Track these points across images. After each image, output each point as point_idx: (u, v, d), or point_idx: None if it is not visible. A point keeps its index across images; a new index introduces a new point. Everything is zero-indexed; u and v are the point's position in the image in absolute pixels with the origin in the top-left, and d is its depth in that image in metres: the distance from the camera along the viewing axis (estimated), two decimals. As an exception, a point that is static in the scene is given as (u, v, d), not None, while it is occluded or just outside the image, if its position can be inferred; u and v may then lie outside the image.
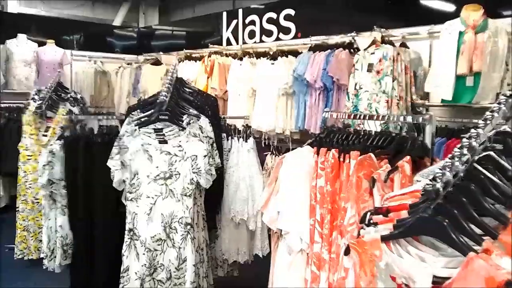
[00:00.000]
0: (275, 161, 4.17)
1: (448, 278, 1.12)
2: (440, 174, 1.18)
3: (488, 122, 1.32)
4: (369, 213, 1.35)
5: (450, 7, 3.60)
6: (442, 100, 3.24)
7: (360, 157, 1.74)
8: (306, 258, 1.93)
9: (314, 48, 3.94)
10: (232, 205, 3.07)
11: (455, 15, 3.17)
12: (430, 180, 1.19)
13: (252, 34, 5.21)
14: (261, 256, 3.12)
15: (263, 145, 4.20)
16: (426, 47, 3.58)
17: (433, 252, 1.21)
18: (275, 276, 2.06)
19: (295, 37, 4.72)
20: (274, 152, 4.21)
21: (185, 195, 2.47)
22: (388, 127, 3.04)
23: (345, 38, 3.79)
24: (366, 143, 1.87)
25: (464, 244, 1.12)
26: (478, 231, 1.19)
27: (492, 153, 1.32)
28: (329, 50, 3.73)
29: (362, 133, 1.96)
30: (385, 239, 1.23)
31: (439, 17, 3.43)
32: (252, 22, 5.19)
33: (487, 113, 1.36)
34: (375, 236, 1.26)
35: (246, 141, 3.14)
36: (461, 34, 3.10)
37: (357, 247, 1.28)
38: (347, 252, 1.32)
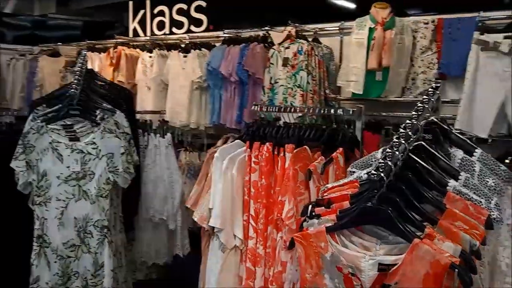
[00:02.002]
0: (189, 157, 4.10)
1: (392, 264, 1.15)
2: (383, 164, 1.20)
3: (420, 113, 1.37)
4: (310, 206, 1.35)
5: (360, 5, 3.75)
6: (353, 94, 3.37)
7: (295, 150, 1.73)
8: (240, 254, 1.89)
9: (228, 41, 3.89)
10: (150, 204, 2.93)
11: (364, 12, 3.31)
12: (375, 170, 1.20)
13: (161, 25, 5.02)
14: (182, 256, 3.02)
15: (176, 141, 4.06)
16: (337, 42, 3.70)
17: (375, 240, 1.23)
18: (207, 275, 2.00)
19: (207, 29, 4.63)
20: (188, 148, 4.11)
21: (101, 196, 2.30)
22: (304, 121, 3.09)
23: (259, 32, 3.79)
24: (299, 136, 1.87)
25: (409, 231, 1.15)
26: (420, 218, 1.23)
27: (423, 143, 1.38)
28: (243, 44, 3.70)
29: (293, 126, 1.95)
30: (330, 230, 1.23)
31: (349, 14, 3.55)
32: (161, 13, 5.00)
33: (418, 104, 1.41)
34: (319, 228, 1.25)
35: (163, 137, 3.02)
36: (371, 30, 3.23)
37: (302, 240, 1.27)
38: (291, 245, 1.30)
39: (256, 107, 2.15)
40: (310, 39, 3.62)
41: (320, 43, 3.68)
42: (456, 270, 1.05)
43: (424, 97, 1.45)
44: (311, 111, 2.02)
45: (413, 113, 1.36)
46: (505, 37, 2.70)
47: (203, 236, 2.10)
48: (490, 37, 2.74)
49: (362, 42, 3.25)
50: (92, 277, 2.29)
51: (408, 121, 1.31)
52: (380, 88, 3.28)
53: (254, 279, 1.82)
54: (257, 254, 1.83)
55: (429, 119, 1.46)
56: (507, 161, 2.23)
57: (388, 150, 1.22)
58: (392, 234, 1.20)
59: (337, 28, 3.70)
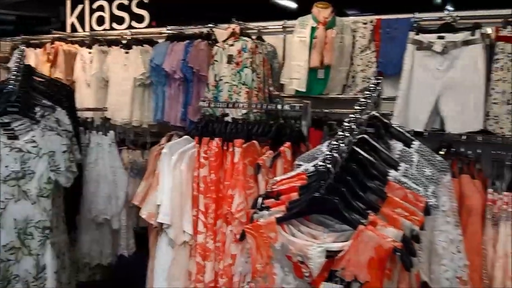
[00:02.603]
0: (132, 156, 4.02)
1: (339, 251, 1.21)
2: (330, 156, 1.25)
3: (363, 108, 1.44)
4: (260, 198, 1.38)
5: (302, 4, 3.83)
6: (297, 92, 3.45)
7: (244, 144, 1.76)
8: (189, 249, 1.89)
9: (171, 38, 3.86)
10: (93, 204, 2.85)
11: (306, 11, 3.39)
12: (322, 162, 1.25)
13: (101, 21, 4.88)
14: (127, 256, 2.97)
15: (118, 139, 3.96)
16: (281, 41, 3.77)
17: (322, 229, 1.28)
18: (156, 272, 1.98)
19: (149, 25, 4.56)
20: (130, 146, 4.02)
21: (42, 196, 2.23)
22: (249, 117, 3.13)
23: (203, 29, 3.79)
24: (248, 131, 1.90)
25: (354, 218, 1.21)
26: (364, 206, 1.29)
27: (366, 136, 1.45)
28: (187, 41, 3.69)
29: (242, 122, 1.98)
30: (280, 220, 1.27)
31: (292, 13, 3.62)
32: (101, 8, 4.86)
33: (361, 99, 1.48)
34: (270, 219, 1.28)
35: (105, 135, 2.95)
36: (313, 29, 3.32)
37: (253, 231, 1.30)
38: (242, 237, 1.32)
39: (204, 103, 2.15)
40: (254, 37, 3.66)
41: (264, 41, 3.73)
42: (399, 253, 1.12)
43: (366, 92, 1.52)
44: (258, 107, 2.05)
45: (357, 108, 1.43)
46: (438, 37, 2.86)
47: (150, 233, 2.08)
48: (425, 37, 2.90)
49: (305, 41, 3.33)
50: (34, 280, 2.21)
51: (352, 115, 1.38)
52: (322, 86, 3.37)
53: (204, 273, 1.84)
54: (207, 249, 1.85)
55: (371, 114, 1.54)
56: (441, 152, 2.37)
57: (334, 143, 1.28)
58: (339, 222, 1.26)
59: (281, 26, 3.76)
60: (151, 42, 4.06)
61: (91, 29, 4.97)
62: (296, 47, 3.39)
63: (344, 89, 3.43)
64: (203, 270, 1.84)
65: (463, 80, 2.78)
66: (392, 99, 3.06)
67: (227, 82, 3.43)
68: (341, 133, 1.31)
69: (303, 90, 3.35)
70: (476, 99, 2.74)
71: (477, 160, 2.22)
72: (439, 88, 2.84)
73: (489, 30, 2.83)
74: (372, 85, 1.56)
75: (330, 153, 1.25)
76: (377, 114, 1.54)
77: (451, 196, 1.41)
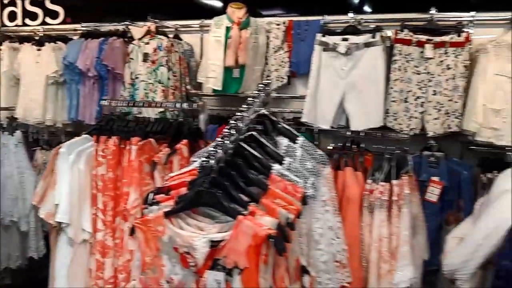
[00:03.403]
0: (46, 156, 3.90)
1: (222, 240, 1.28)
2: (213, 152, 1.32)
3: (250, 106, 1.53)
4: (151, 194, 1.43)
5: (218, 4, 3.89)
6: (213, 90, 3.51)
7: (140, 142, 1.79)
8: (89, 247, 1.90)
9: (86, 35, 3.78)
10: (-1, 205, 2.76)
11: (222, 11, 3.46)
12: (206, 158, 1.32)
13: (12, 16, 4.67)
14: (36, 258, 2.89)
15: (30, 139, 3.83)
16: (198, 39, 3.81)
17: (209, 221, 1.36)
18: (56, 272, 1.97)
19: (63, 22, 4.43)
20: (44, 147, 3.90)
21: None
22: (166, 115, 3.16)
23: (119, 27, 3.75)
24: (146, 129, 1.93)
25: (234, 209, 1.29)
26: (247, 198, 1.38)
27: (254, 132, 1.54)
28: (102, 38, 3.63)
29: (142, 120, 2.01)
30: (168, 214, 1.33)
31: (209, 12, 3.66)
32: (12, 3, 4.65)
33: (249, 99, 1.57)
34: (158, 213, 1.34)
35: (12, 135, 2.85)
36: (227, 29, 3.39)
37: (142, 225, 1.35)
38: (132, 232, 1.37)
39: (105, 101, 2.16)
40: (171, 36, 3.68)
41: (181, 39, 3.76)
42: (272, 240, 1.21)
43: (255, 92, 1.61)
44: (156, 105, 2.09)
45: (244, 106, 1.52)
46: (343, 39, 3.03)
47: (51, 232, 2.06)
48: (330, 39, 3.06)
49: (220, 40, 3.39)
50: None
51: (238, 114, 1.46)
52: (237, 84, 3.45)
53: (103, 270, 1.85)
54: (106, 246, 1.87)
55: (260, 112, 1.63)
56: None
57: (218, 139, 1.35)
58: (224, 214, 1.34)
59: (198, 25, 3.80)
60: (65, 39, 3.95)
61: (2, 24, 4.74)
62: (212, 46, 3.45)
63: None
64: (102, 267, 1.86)
65: (365, 79, 2.97)
66: (304, 97, 3.21)
67: (143, 81, 3.43)
68: (226, 130, 1.39)
69: (219, 88, 3.41)
70: (377, 97, 2.95)
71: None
72: (343, 87, 3.02)
73: (389, 33, 3.04)
74: (261, 85, 1.65)
75: (213, 149, 1.32)
76: (266, 113, 1.63)
77: (330, 186, 1.54)
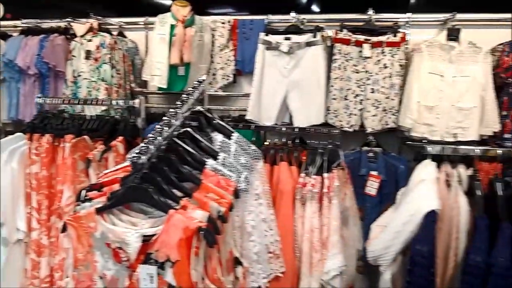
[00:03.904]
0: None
1: (154, 235, 1.31)
2: (145, 148, 1.34)
3: (185, 103, 1.56)
4: (84, 190, 1.43)
5: (163, 1, 3.87)
6: (158, 88, 3.50)
7: (74, 139, 1.78)
8: (24, 247, 1.86)
9: (26, 32, 3.67)
10: None
11: (167, 9, 3.45)
12: (136, 154, 1.34)
13: None
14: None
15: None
16: (143, 37, 3.79)
17: (142, 216, 1.38)
18: (-10, 273, 1.92)
19: (3, 18, 4.27)
20: (-16, 146, 3.76)
21: None
22: (110, 113, 3.12)
23: (61, 23, 3.66)
24: (81, 127, 1.92)
25: (166, 204, 1.32)
26: (180, 193, 1.41)
27: (189, 129, 1.57)
28: (43, 35, 3.54)
29: (77, 118, 1.99)
30: (99, 210, 1.33)
31: (154, 10, 3.63)
32: None
33: (183, 96, 1.60)
34: (89, 210, 1.34)
35: None
36: (172, 27, 3.39)
37: (73, 222, 1.35)
38: (64, 229, 1.36)
39: (40, 99, 2.12)
40: (115, 33, 3.64)
41: (125, 37, 3.72)
42: (202, 232, 1.24)
43: (189, 89, 1.64)
44: (92, 103, 2.08)
45: (178, 103, 1.54)
46: (285, 38, 3.10)
47: (-16, 233, 2.01)
48: (273, 38, 3.12)
49: (164, 38, 3.39)
50: None
51: (171, 110, 1.48)
52: (183, 82, 3.46)
53: (39, 269, 1.83)
54: (41, 245, 1.84)
55: (196, 109, 1.66)
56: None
57: (150, 135, 1.37)
58: (156, 209, 1.36)
59: (142, 23, 3.78)
60: (5, 36, 3.82)
61: None
62: (157, 44, 3.44)
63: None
64: (38, 266, 1.83)
65: (307, 78, 3.05)
66: (249, 96, 3.25)
67: (86, 78, 3.37)
68: (158, 126, 1.41)
69: (164, 86, 3.41)
70: (318, 95, 3.03)
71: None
72: (286, 85, 3.09)
73: (329, 33, 3.14)
74: (196, 82, 1.68)
75: (145, 145, 1.34)
76: (202, 109, 1.66)
77: (264, 180, 1.59)
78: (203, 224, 1.26)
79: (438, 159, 2.23)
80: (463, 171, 1.97)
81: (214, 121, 1.66)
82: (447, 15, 3.11)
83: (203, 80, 1.70)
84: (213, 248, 1.29)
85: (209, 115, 1.67)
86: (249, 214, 1.50)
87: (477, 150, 2.25)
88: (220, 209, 1.34)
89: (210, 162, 1.48)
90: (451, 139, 2.81)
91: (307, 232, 1.92)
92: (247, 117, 3.13)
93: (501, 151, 2.24)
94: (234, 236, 1.43)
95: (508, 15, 3.15)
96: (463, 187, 1.91)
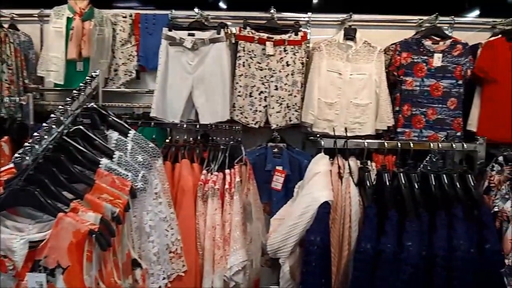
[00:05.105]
0: None
1: (42, 240, 1.23)
2: (29, 148, 1.25)
3: (75, 99, 1.48)
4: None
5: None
6: (55, 85, 3.30)
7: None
8: None
9: None
10: None
11: (64, 1, 3.25)
12: (19, 154, 1.25)
13: None
14: None
15: None
16: (37, 30, 3.54)
17: (29, 221, 1.28)
18: None
19: None
20: None
21: None
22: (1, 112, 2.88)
23: None
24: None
25: (54, 207, 1.24)
26: (71, 196, 1.33)
27: (81, 127, 1.49)
28: None
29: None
30: (-24, 218, 1.22)
31: (49, 1, 3.40)
32: None
33: (74, 92, 1.51)
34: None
35: None
36: (69, 20, 3.22)
37: None
38: None
39: None
40: (6, 25, 3.37)
41: (18, 29, 3.46)
42: (94, 235, 1.19)
43: (81, 85, 1.56)
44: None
45: (68, 99, 1.46)
46: (189, 34, 3.07)
47: None
48: (177, 34, 3.07)
49: (61, 32, 3.21)
50: None
51: (60, 107, 1.40)
52: (82, 79, 3.20)
53: None
54: None
55: (90, 106, 1.58)
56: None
57: (35, 134, 1.28)
58: (44, 213, 1.27)
59: (36, 15, 3.53)
60: None
61: None
62: (52, 38, 3.25)
63: (106, 82, 3.41)
64: None
65: (212, 75, 3.04)
66: (153, 92, 3.17)
67: (-29, 74, 3.09)
68: (45, 124, 1.32)
69: (61, 82, 3.23)
70: (223, 92, 3.04)
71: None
72: (191, 82, 3.05)
73: (234, 30, 3.15)
74: (89, 78, 1.61)
75: (29, 144, 1.25)
76: (95, 106, 1.59)
77: (163, 178, 1.56)
78: (95, 227, 1.21)
79: (339, 153, 2.33)
80: (354, 164, 2.08)
81: (109, 118, 1.59)
82: (344, 16, 3.26)
83: (97, 75, 1.62)
84: (107, 252, 1.24)
85: (104, 112, 1.60)
86: (148, 213, 1.46)
87: (366, 143, 2.36)
88: (114, 210, 1.29)
89: (104, 161, 1.42)
90: (350, 134, 2.95)
91: (209, 229, 1.92)
92: (152, 115, 3.05)
93: (387, 144, 2.36)
94: (132, 237, 1.39)
95: (399, 17, 3.38)
96: (354, 178, 2.02)
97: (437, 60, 3.03)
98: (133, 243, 1.39)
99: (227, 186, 1.97)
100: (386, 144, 2.19)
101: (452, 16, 3.30)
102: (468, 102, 3.11)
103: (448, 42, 3.04)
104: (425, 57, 3.03)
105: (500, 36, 3.08)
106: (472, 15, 3.53)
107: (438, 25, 3.17)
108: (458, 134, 3.02)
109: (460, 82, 3.03)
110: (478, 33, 3.35)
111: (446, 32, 3.19)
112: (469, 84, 3.08)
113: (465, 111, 3.09)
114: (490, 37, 3.21)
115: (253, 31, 3.07)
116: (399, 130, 3.08)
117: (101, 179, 1.36)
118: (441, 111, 3.06)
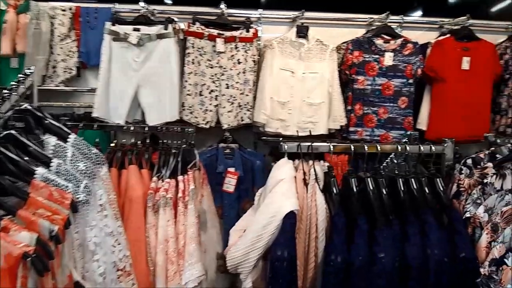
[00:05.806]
0: None
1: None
2: None
3: (6, 100, 1.30)
4: None
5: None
6: (-12, 82, 3.04)
7: None
8: None
9: None
10: None
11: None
12: None
13: None
14: None
15: None
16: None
17: (-50, 244, 1.10)
18: None
19: None
20: None
21: None
22: None
23: None
24: None
25: (-20, 227, 1.06)
26: (1, 212, 1.16)
27: (13, 131, 1.31)
28: None
29: None
30: None
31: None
32: None
33: (5, 91, 1.33)
34: None
35: None
36: (2, 12, 2.98)
37: None
38: None
39: None
40: None
41: None
42: (29, 259, 1.03)
43: (13, 83, 1.38)
44: None
45: (-3, 100, 1.28)
46: (134, 29, 2.89)
47: None
48: (121, 29, 2.88)
49: (-6, 26, 2.94)
50: None
51: (-15, 110, 1.22)
52: (16, 76, 3.02)
53: None
54: None
55: (22, 107, 1.40)
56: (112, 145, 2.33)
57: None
58: (-32, 233, 1.09)
59: (-37, 6, 3.21)
60: None
61: None
62: (-17, 33, 2.97)
63: (44, 80, 3.16)
64: None
65: (159, 72, 2.88)
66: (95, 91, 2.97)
67: None
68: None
69: (-5, 80, 2.96)
70: (171, 91, 2.88)
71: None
72: (137, 80, 2.88)
73: (182, 25, 3.00)
74: (22, 76, 1.43)
75: None
76: (29, 107, 1.41)
77: (109, 188, 1.40)
78: (30, 249, 1.05)
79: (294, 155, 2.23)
80: (319, 169, 1.98)
81: (45, 121, 1.41)
82: (296, 13, 3.20)
83: (31, 72, 1.44)
84: (45, 276, 1.08)
85: (39, 114, 1.42)
86: (92, 229, 1.30)
87: (332, 146, 2.24)
88: (52, 228, 1.13)
89: (40, 170, 1.25)
90: (303, 134, 2.89)
91: (161, 242, 1.77)
92: (94, 115, 2.84)
93: (352, 146, 2.23)
94: (74, 257, 1.23)
95: (351, 15, 3.37)
96: (320, 184, 1.90)
97: (388, 59, 3.03)
98: (75, 263, 1.24)
99: (180, 194, 1.83)
100: (352, 147, 2.07)
101: (401, 16, 3.32)
102: (418, 101, 3.14)
103: (399, 41, 3.04)
104: (377, 56, 3.02)
105: (448, 35, 3.13)
106: (416, 15, 3.58)
107: (388, 24, 3.17)
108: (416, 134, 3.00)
109: (411, 81, 3.04)
110: (426, 32, 3.39)
111: (396, 31, 3.20)
112: (419, 83, 3.10)
113: (415, 110, 3.11)
114: (438, 36, 3.26)
115: (202, 27, 2.94)
116: (351, 129, 3.06)
117: (36, 192, 1.19)
118: (392, 110, 3.06)
